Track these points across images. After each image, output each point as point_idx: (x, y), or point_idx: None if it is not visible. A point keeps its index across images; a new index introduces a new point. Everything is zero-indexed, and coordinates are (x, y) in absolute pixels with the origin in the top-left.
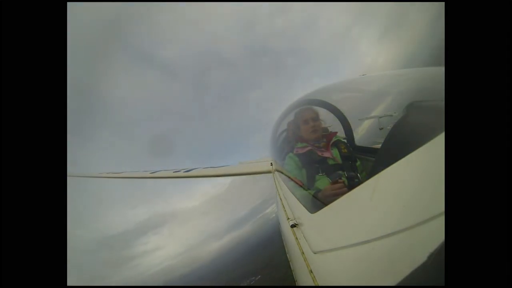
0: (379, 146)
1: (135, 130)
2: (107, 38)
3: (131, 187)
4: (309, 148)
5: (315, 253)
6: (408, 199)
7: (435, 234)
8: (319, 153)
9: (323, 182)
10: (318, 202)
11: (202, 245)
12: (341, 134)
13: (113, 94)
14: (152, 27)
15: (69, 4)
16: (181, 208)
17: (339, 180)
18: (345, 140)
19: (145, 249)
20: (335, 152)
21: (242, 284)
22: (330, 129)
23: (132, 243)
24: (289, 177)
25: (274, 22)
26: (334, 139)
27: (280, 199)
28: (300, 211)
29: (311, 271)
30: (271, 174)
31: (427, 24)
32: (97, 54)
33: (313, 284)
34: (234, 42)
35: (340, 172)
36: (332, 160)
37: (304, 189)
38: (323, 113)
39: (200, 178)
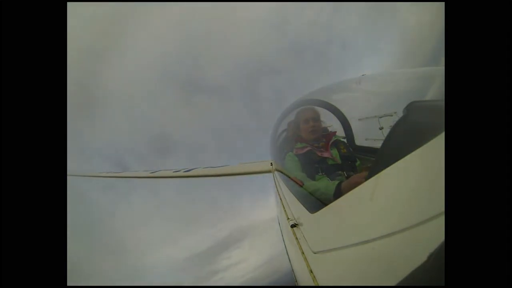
0: (379, 146)
1: None
2: None
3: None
4: (309, 148)
5: (315, 253)
6: (408, 199)
7: (435, 234)
8: (319, 154)
9: (322, 182)
10: (318, 202)
11: (282, 255)
12: (341, 134)
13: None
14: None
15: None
16: (260, 220)
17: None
18: (345, 140)
19: (228, 263)
20: (334, 152)
21: None
22: (330, 129)
23: (216, 258)
24: (289, 177)
25: (303, 15)
26: (333, 139)
27: (280, 199)
28: (300, 211)
29: (311, 271)
30: (271, 174)
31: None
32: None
33: (313, 284)
34: (270, 46)
35: (340, 172)
36: (331, 160)
37: (304, 189)
38: (323, 113)
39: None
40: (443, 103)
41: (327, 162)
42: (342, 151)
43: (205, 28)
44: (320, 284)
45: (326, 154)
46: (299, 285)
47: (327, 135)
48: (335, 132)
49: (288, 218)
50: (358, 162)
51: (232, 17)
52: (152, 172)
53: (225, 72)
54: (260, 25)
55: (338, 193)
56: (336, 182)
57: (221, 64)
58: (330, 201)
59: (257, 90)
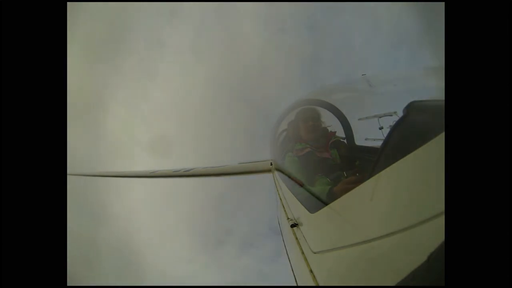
0: (379, 146)
1: None
2: None
3: None
4: (308, 149)
5: (315, 253)
6: (408, 199)
7: (435, 234)
8: (318, 154)
9: (322, 183)
10: (318, 202)
11: None
12: (340, 134)
13: None
14: None
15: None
16: None
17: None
18: (344, 140)
19: None
20: (334, 153)
21: None
22: (330, 129)
23: None
24: (289, 177)
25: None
26: (333, 139)
27: (280, 199)
28: (300, 211)
29: (311, 271)
30: (271, 173)
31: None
32: None
33: (313, 284)
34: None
35: (339, 172)
36: (331, 160)
37: (304, 189)
38: (323, 113)
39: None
40: (443, 103)
41: (327, 163)
42: (341, 151)
43: None
44: (320, 284)
45: (325, 155)
46: (299, 285)
47: (326, 135)
48: (335, 132)
49: (288, 218)
50: (357, 162)
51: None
52: (152, 172)
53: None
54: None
55: (332, 198)
56: (341, 179)
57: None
58: (331, 200)
59: None
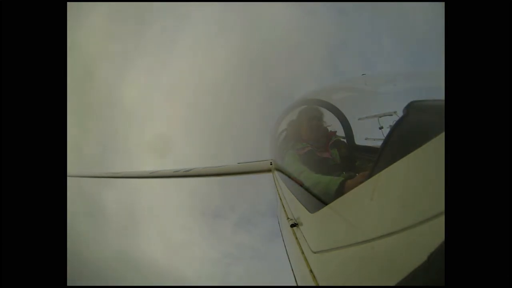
0: (379, 145)
1: None
2: None
3: None
4: (308, 149)
5: (314, 253)
6: (408, 198)
7: (435, 234)
8: (318, 154)
9: (326, 178)
10: (318, 201)
11: None
12: (340, 133)
13: None
14: None
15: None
16: None
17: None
18: (344, 140)
19: None
20: (334, 152)
21: None
22: (330, 129)
23: None
24: (289, 177)
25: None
26: (333, 139)
27: (280, 198)
28: (300, 211)
29: (310, 271)
30: (271, 173)
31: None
32: None
33: (312, 284)
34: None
35: (339, 172)
36: (331, 160)
37: (304, 188)
38: (324, 113)
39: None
40: (443, 103)
41: (327, 163)
42: (341, 151)
43: None
44: (320, 284)
45: (325, 155)
46: (299, 285)
47: (327, 135)
48: (335, 132)
49: (288, 218)
50: (357, 162)
51: None
52: (151, 172)
53: None
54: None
55: (341, 191)
56: (341, 179)
57: None
58: (331, 199)
59: None
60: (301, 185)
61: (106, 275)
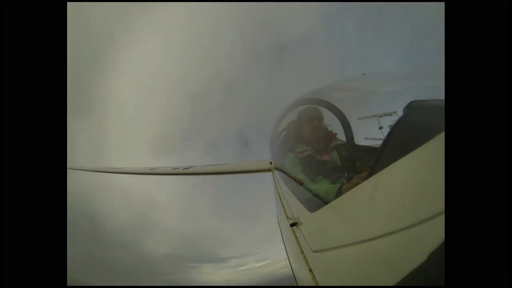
0: (378, 145)
1: None
2: None
3: None
4: (309, 152)
5: (314, 252)
6: (408, 198)
7: (435, 234)
8: (318, 157)
9: (322, 185)
10: (318, 201)
11: None
12: (340, 133)
13: None
14: None
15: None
16: None
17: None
18: (345, 141)
19: None
20: (334, 155)
21: None
22: (330, 129)
23: None
24: (288, 176)
25: None
26: (333, 141)
27: (280, 198)
28: (299, 210)
29: (310, 270)
30: (270, 172)
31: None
32: None
33: (312, 283)
34: None
35: (340, 174)
36: (331, 162)
37: (304, 188)
38: (324, 113)
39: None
40: (443, 103)
41: (327, 165)
42: (342, 153)
43: None
44: (320, 284)
45: (326, 157)
46: (298, 284)
47: (327, 136)
48: (336, 133)
49: (287, 217)
50: (358, 164)
51: None
52: (151, 169)
53: None
54: None
55: (341, 193)
56: (337, 185)
57: None
58: (331, 200)
59: None
60: (301, 184)
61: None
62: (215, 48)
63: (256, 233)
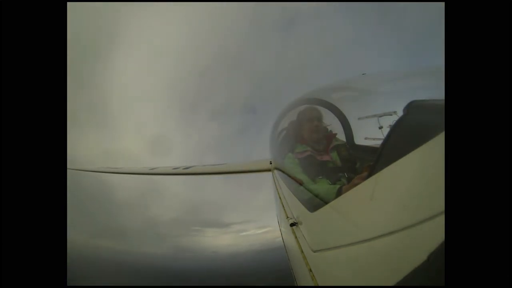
0: (378, 145)
1: None
2: None
3: None
4: (309, 153)
5: (314, 252)
6: (408, 198)
7: (435, 234)
8: (318, 158)
9: (322, 185)
10: (318, 201)
11: None
12: (340, 133)
13: None
14: None
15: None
16: None
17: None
18: (345, 141)
19: None
20: (334, 155)
21: None
22: (329, 128)
23: None
24: (288, 176)
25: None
26: (334, 143)
27: (280, 197)
28: (299, 210)
29: (310, 270)
30: (270, 172)
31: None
32: None
33: (312, 283)
34: None
35: (340, 174)
36: (331, 163)
37: (304, 188)
38: (325, 113)
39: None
40: (443, 103)
41: (327, 165)
42: (342, 153)
43: None
44: (320, 284)
45: (326, 158)
46: (298, 284)
47: (327, 136)
48: (335, 134)
49: (287, 217)
50: (358, 164)
51: None
52: (151, 169)
53: None
54: None
55: (341, 194)
56: (337, 186)
57: None
58: (331, 200)
59: None
60: (301, 184)
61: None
62: (224, 16)
63: (259, 201)
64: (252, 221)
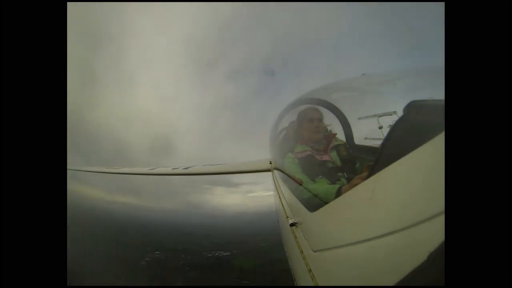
0: (378, 145)
1: None
2: None
3: None
4: (308, 152)
5: (314, 252)
6: (408, 198)
7: (435, 234)
8: (318, 157)
9: (322, 185)
10: (318, 201)
11: None
12: (340, 133)
13: None
14: None
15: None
16: None
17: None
18: (345, 141)
19: None
20: (334, 155)
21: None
22: (329, 128)
23: None
24: (288, 176)
25: None
26: (334, 143)
27: (279, 197)
28: (299, 210)
29: (310, 270)
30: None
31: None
32: None
33: (312, 284)
34: None
35: (340, 174)
36: (331, 163)
37: (303, 188)
38: (324, 113)
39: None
40: (443, 103)
41: (327, 165)
42: (342, 153)
43: None
44: (319, 284)
45: (325, 157)
46: (298, 284)
47: (327, 136)
48: (335, 134)
49: (287, 217)
50: (357, 164)
51: None
52: (151, 169)
53: None
54: None
55: (341, 193)
56: (337, 186)
57: None
58: (331, 200)
59: None
60: (301, 184)
61: (106, 133)
62: None
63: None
64: (260, 183)
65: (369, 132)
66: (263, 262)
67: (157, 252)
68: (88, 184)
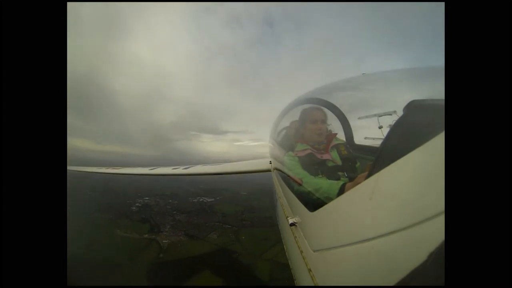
0: (378, 145)
1: None
2: None
3: None
4: (309, 151)
5: (314, 252)
6: (408, 198)
7: (435, 234)
8: (319, 156)
9: (322, 185)
10: (317, 200)
11: None
12: (340, 133)
13: None
14: None
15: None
16: None
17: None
18: (345, 140)
19: None
20: (334, 154)
21: None
22: (329, 128)
23: None
24: (288, 176)
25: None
26: (334, 142)
27: (279, 197)
28: (299, 210)
29: (310, 270)
30: (270, 172)
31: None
32: None
33: (312, 283)
34: None
35: (340, 173)
36: (331, 162)
37: (303, 187)
38: (324, 113)
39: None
40: (443, 102)
41: (327, 164)
42: (342, 152)
43: None
44: (319, 284)
45: (326, 156)
46: (298, 284)
47: (327, 136)
48: (336, 134)
49: (287, 217)
50: (358, 164)
51: None
52: (151, 169)
53: None
54: None
55: (342, 193)
56: (341, 182)
57: None
58: (331, 200)
59: None
60: (301, 184)
61: (99, 78)
62: None
63: (259, 113)
64: (247, 132)
65: (369, 131)
66: (243, 208)
67: (147, 198)
68: (80, 137)
